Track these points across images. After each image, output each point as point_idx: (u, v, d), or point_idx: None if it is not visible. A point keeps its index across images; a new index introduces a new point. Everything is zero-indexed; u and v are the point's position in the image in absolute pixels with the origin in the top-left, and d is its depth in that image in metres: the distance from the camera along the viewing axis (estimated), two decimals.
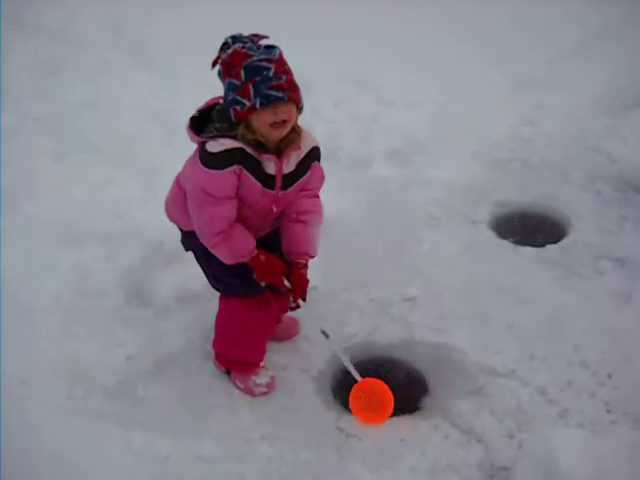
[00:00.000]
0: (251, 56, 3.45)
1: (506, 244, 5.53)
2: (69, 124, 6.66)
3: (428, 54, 8.48)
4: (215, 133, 3.59)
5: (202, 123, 3.70)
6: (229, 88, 3.51)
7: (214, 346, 4.21)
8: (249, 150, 3.57)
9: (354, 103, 7.54)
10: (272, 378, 4.16)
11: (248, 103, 3.44)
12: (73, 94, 7.24)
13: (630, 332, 4.55)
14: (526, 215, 6.02)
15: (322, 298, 4.53)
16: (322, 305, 4.44)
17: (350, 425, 3.94)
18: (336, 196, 5.52)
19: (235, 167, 3.55)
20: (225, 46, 3.55)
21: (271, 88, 3.43)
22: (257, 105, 3.43)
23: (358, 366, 4.13)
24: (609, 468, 3.21)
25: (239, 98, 3.46)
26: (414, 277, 5.02)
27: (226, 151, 3.53)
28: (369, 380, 4.06)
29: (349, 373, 4.09)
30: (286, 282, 3.86)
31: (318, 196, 4.05)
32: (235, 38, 3.56)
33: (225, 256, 3.77)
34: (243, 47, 3.48)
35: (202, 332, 4.40)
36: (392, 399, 4.02)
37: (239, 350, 4.09)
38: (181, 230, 4.08)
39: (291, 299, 3.93)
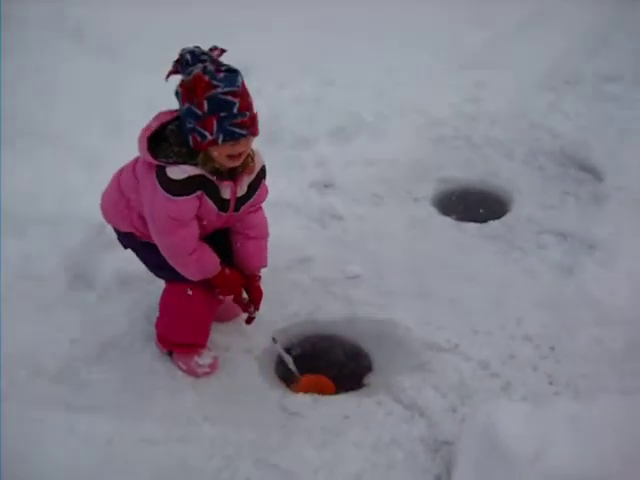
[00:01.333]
0: (215, 87, 3.34)
1: (449, 221, 5.57)
2: (13, 110, 6.61)
3: (372, 31, 8.53)
4: (175, 158, 3.52)
5: (154, 139, 3.62)
6: (189, 115, 3.42)
7: (157, 328, 4.17)
8: (209, 176, 3.57)
9: (297, 84, 7.56)
10: (215, 359, 4.13)
11: (210, 137, 3.40)
12: (18, 80, 7.18)
13: (572, 305, 4.59)
14: (469, 192, 6.08)
15: (265, 277, 4.49)
16: (265, 284, 4.41)
17: (294, 403, 3.93)
18: (279, 176, 5.49)
19: (198, 192, 3.56)
20: (183, 62, 3.42)
21: (235, 125, 3.39)
22: (219, 141, 3.40)
23: (300, 344, 4.27)
24: (551, 439, 3.23)
25: (200, 129, 3.40)
26: (357, 255, 5.03)
27: (189, 178, 3.51)
28: (306, 380, 4.18)
29: (290, 351, 4.22)
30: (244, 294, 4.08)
31: (261, 208, 4.11)
32: (194, 55, 3.42)
33: (194, 273, 3.82)
34: (205, 71, 3.35)
35: (144, 314, 4.37)
36: (332, 387, 4.17)
37: (184, 333, 4.06)
38: (115, 231, 4.07)
39: (252, 309, 4.11)
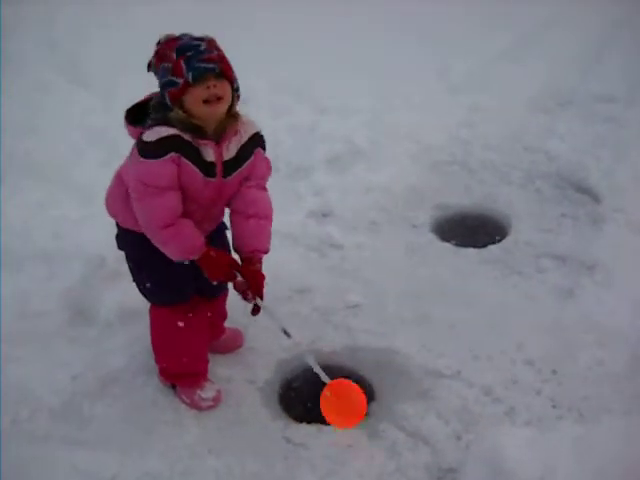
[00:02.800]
0: (182, 38, 3.42)
1: (448, 246, 5.58)
2: (5, 145, 6.60)
3: (364, 57, 8.56)
4: (150, 123, 3.48)
5: (140, 117, 3.58)
6: (163, 74, 3.42)
7: (156, 362, 4.17)
8: (186, 137, 3.45)
9: (292, 114, 7.59)
10: (218, 392, 4.12)
11: (181, 80, 3.36)
12: (9, 115, 7.18)
13: (572, 328, 4.60)
14: (467, 217, 6.10)
15: (265, 308, 4.50)
16: (265, 315, 4.41)
17: (297, 434, 3.92)
18: (277, 206, 5.51)
19: (172, 155, 3.42)
20: (158, 44, 3.48)
21: (202, 61, 3.36)
22: (190, 79, 3.35)
23: (304, 374, 4.22)
24: (555, 463, 3.24)
25: (173, 78, 3.37)
26: (356, 283, 5.04)
27: (161, 139, 3.41)
28: (337, 382, 3.98)
29: (293, 382, 4.19)
30: (239, 277, 3.73)
31: (265, 189, 3.95)
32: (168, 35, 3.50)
33: (174, 252, 3.62)
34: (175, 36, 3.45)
35: (145, 347, 4.32)
36: (364, 400, 3.98)
37: (180, 361, 4.04)
38: (118, 227, 3.93)
39: (249, 295, 3.78)
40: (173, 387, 4.17)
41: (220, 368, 4.31)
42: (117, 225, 3.92)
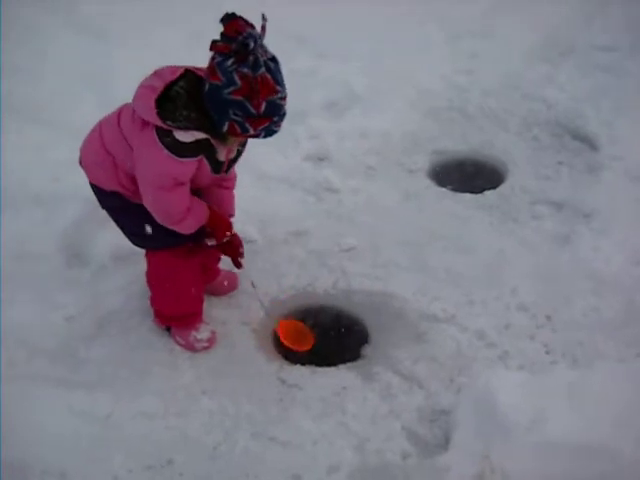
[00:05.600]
0: (277, 92, 3.33)
1: (444, 192, 5.57)
2: (3, 88, 6.55)
3: (364, 4, 8.49)
4: (185, 124, 3.43)
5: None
6: (240, 107, 3.34)
7: (152, 305, 4.18)
8: (213, 141, 3.55)
9: (291, 58, 7.50)
10: (213, 333, 4.15)
11: (252, 132, 3.43)
12: (4, 57, 7.12)
13: (567, 275, 4.61)
14: (464, 163, 6.07)
15: (262, 251, 4.52)
16: (262, 258, 4.44)
17: (291, 375, 3.96)
18: (273, 150, 5.52)
19: (201, 155, 3.56)
20: (242, 46, 3.26)
21: (277, 126, 3.47)
22: (260, 137, 3.49)
23: (298, 315, 4.36)
24: (548, 408, 3.26)
25: (248, 126, 3.39)
26: (352, 228, 5.03)
27: (197, 141, 3.49)
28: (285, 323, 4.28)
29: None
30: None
31: None
32: (255, 42, 3.28)
33: (190, 227, 3.80)
34: (269, 71, 3.30)
35: (140, 289, 4.35)
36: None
37: (177, 303, 4.06)
38: (97, 191, 3.92)
39: (242, 250, 4.06)
40: (168, 330, 4.18)
41: (215, 310, 4.35)
42: (97, 189, 3.90)
